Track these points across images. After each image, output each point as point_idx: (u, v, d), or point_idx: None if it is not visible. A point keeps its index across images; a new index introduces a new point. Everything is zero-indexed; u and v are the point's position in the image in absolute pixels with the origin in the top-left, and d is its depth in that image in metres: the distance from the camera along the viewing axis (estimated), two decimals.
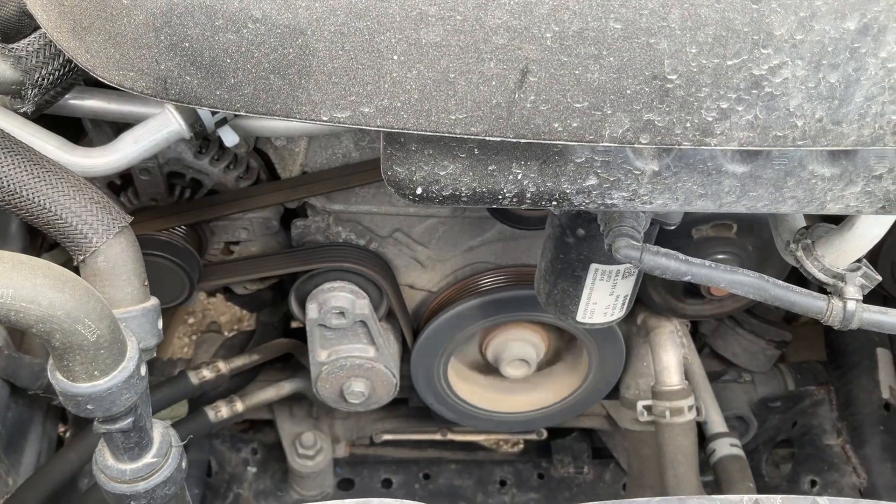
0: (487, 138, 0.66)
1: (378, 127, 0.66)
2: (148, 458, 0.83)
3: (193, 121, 0.99)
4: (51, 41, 0.79)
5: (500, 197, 0.76)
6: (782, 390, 1.77)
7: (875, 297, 1.43)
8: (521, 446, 2.08)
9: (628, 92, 0.64)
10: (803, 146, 0.67)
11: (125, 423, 0.77)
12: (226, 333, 1.89)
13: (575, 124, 0.65)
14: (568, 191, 0.76)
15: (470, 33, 0.62)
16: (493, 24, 0.61)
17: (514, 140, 0.66)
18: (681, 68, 0.63)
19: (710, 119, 0.65)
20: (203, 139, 1.26)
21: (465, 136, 0.67)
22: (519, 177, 0.75)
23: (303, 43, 0.62)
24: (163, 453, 0.84)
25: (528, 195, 0.76)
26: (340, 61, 0.63)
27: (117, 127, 1.14)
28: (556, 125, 0.65)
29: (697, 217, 1.29)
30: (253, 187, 1.31)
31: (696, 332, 1.74)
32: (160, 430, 0.85)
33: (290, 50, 0.63)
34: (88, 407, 0.73)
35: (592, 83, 0.63)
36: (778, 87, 0.64)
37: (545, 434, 1.88)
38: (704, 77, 0.63)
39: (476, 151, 0.73)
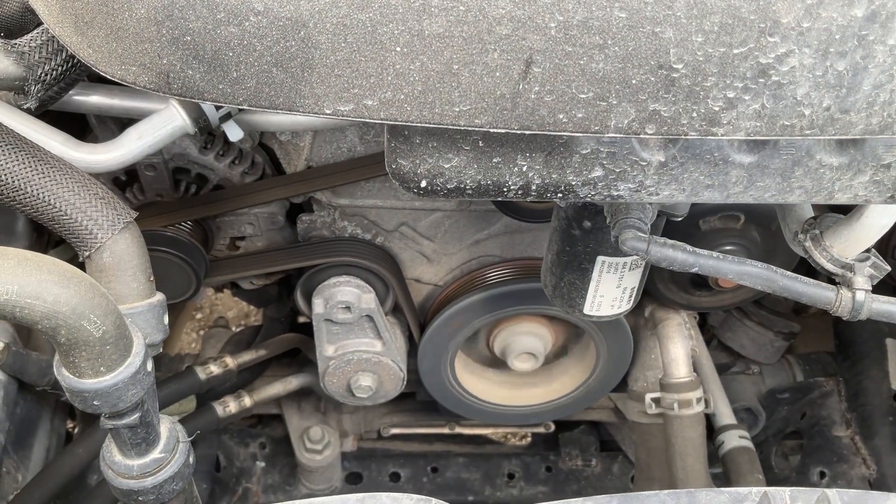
0: (492, 130, 0.66)
1: (381, 120, 0.65)
2: (155, 454, 0.83)
3: (197, 116, 0.99)
4: (53, 37, 0.79)
5: (505, 189, 0.76)
6: (791, 382, 1.76)
7: (886, 287, 1.43)
8: (529, 439, 2.08)
9: (634, 82, 0.63)
10: (811, 135, 0.66)
11: (132, 418, 0.77)
12: (233, 329, 1.89)
13: (580, 115, 0.65)
14: (573, 182, 0.75)
15: (473, 24, 0.61)
16: (496, 14, 0.61)
17: (518, 132, 0.66)
18: (687, 57, 0.62)
19: (717, 108, 0.65)
20: (208, 135, 1.25)
21: (470, 129, 0.66)
22: (524, 169, 0.74)
23: (305, 35, 0.62)
24: (170, 449, 0.84)
25: (534, 187, 0.76)
26: (343, 54, 0.63)
27: (122, 123, 1.14)
28: (561, 116, 0.65)
29: (705, 208, 1.29)
30: (258, 182, 1.31)
31: (704, 324, 1.74)
32: (167, 426, 0.85)
33: (293, 43, 0.62)
34: (95, 403, 0.73)
35: (597, 73, 0.63)
36: (785, 75, 0.63)
37: (553, 427, 1.88)
38: (710, 66, 0.62)
39: (481, 144, 0.73)
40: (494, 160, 0.74)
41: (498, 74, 0.63)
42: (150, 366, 0.77)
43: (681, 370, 1.48)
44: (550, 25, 0.61)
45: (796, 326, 1.70)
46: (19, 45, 0.78)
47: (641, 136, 0.66)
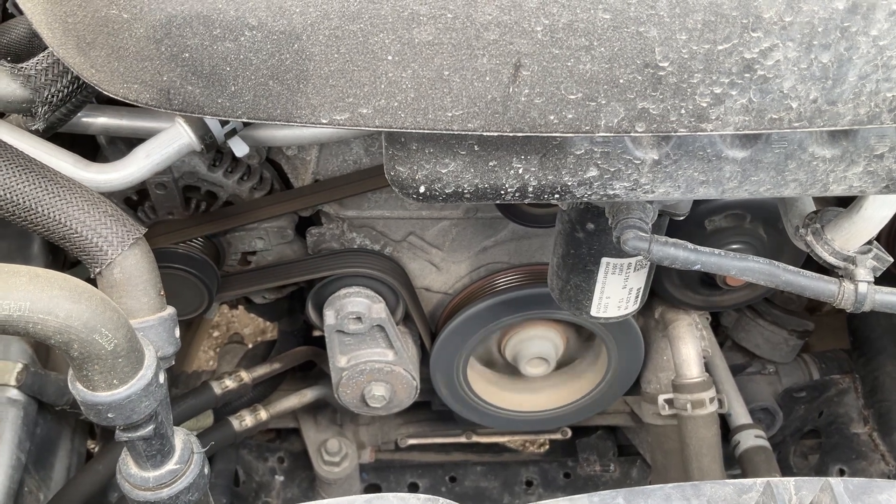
0: (485, 134, 0.67)
1: (377, 127, 0.67)
2: (170, 465, 0.84)
3: (203, 133, 1.00)
4: (58, 59, 0.81)
5: (502, 192, 0.77)
6: (807, 380, 1.75)
7: (893, 280, 1.42)
8: (547, 447, 2.08)
9: (621, 81, 0.64)
10: (800, 128, 0.67)
11: (146, 430, 0.79)
12: (248, 345, 1.91)
13: (570, 116, 0.66)
14: (569, 183, 0.76)
15: (461, 30, 0.63)
16: (483, 20, 0.62)
17: (511, 134, 0.67)
18: (672, 55, 0.63)
19: (705, 104, 0.66)
20: (216, 152, 1.28)
21: (464, 133, 0.68)
22: (520, 171, 0.76)
23: (299, 48, 0.64)
24: (185, 460, 0.85)
25: (531, 189, 0.77)
26: (336, 64, 0.64)
27: (131, 143, 1.16)
28: (552, 117, 0.66)
29: (710, 208, 1.29)
30: (267, 197, 1.32)
31: (717, 326, 1.73)
32: (182, 437, 0.86)
33: (287, 55, 0.64)
34: (109, 415, 0.75)
35: (585, 74, 0.64)
36: (770, 69, 0.64)
37: (570, 433, 1.88)
38: (696, 63, 0.63)
39: (476, 148, 0.74)
40: (490, 164, 0.75)
41: (488, 79, 0.64)
42: (162, 378, 0.78)
43: (692, 370, 1.48)
44: (537, 29, 0.62)
45: (810, 325, 1.69)
46: (26, 68, 0.81)
47: (632, 134, 0.67)
